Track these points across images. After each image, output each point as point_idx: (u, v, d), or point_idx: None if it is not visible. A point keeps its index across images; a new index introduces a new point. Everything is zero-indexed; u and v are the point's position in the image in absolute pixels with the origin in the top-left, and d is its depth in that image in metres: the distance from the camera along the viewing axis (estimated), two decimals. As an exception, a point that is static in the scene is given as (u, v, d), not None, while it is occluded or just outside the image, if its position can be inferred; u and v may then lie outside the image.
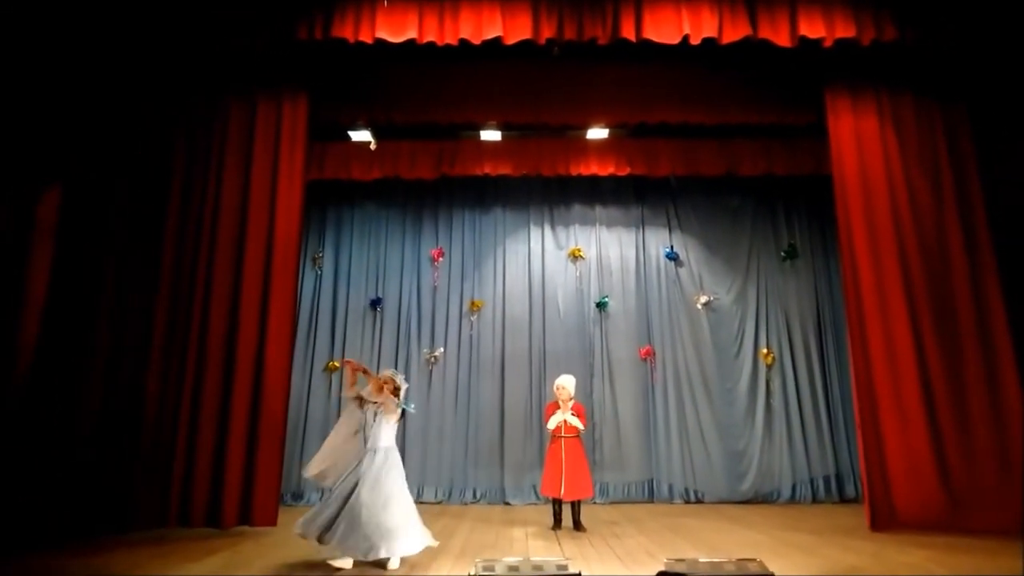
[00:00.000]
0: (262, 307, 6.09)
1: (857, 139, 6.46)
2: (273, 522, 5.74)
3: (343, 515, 4.37)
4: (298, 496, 7.87)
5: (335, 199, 8.88)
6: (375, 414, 4.73)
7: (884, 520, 5.66)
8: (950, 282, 6.14)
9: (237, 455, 5.80)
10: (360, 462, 4.59)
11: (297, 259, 6.36)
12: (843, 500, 7.86)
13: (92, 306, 5.94)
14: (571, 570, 3.24)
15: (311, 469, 4.77)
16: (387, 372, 4.96)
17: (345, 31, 5.88)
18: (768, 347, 8.51)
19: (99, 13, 5.80)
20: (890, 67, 6.51)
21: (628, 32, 5.84)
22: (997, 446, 5.69)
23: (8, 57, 5.51)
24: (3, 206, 5.59)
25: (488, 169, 7.97)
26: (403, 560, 4.50)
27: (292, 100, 6.52)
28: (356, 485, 4.47)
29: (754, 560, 3.37)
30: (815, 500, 7.89)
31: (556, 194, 9.05)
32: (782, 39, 5.91)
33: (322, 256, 8.88)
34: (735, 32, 5.86)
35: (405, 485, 4.69)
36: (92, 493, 5.58)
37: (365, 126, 7.30)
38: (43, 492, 5.42)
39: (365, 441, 4.70)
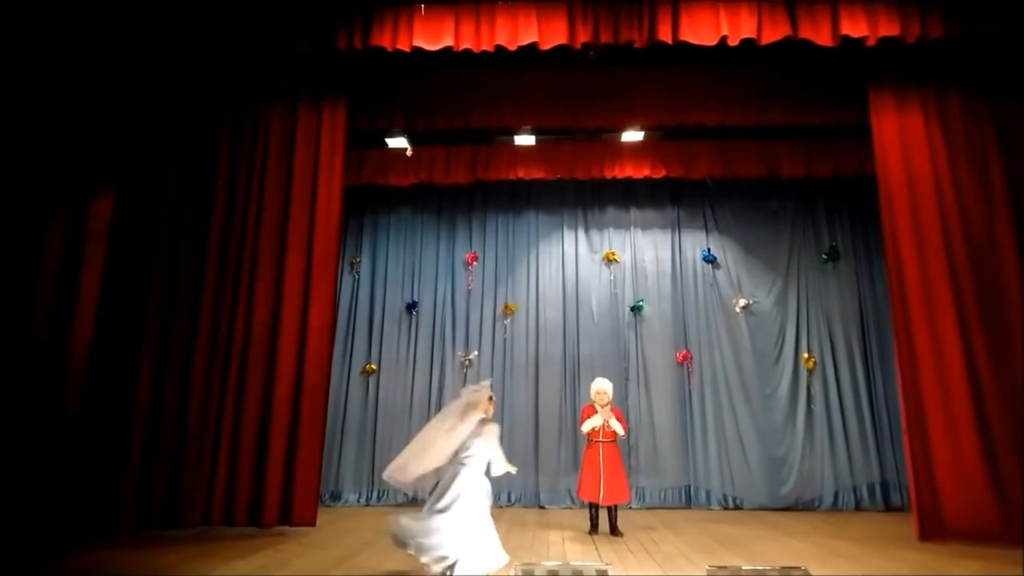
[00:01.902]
0: (303, 310, 6.21)
1: (902, 138, 6.31)
2: (312, 522, 5.84)
3: (472, 531, 4.01)
4: (336, 497, 8.00)
5: (372, 204, 9.03)
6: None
7: (933, 530, 5.49)
8: (1000, 285, 5.93)
9: (278, 456, 5.91)
10: (457, 477, 4.14)
11: (336, 263, 6.48)
12: (888, 508, 7.66)
13: (141, 308, 6.15)
14: (611, 574, 3.22)
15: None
16: (483, 386, 4.41)
17: (383, 39, 5.98)
18: (809, 351, 8.33)
19: (147, 25, 6.00)
20: (935, 64, 6.35)
21: (665, 35, 5.81)
22: (1053, 455, 5.48)
23: (63, 68, 5.74)
24: (60, 212, 5.83)
25: (522, 173, 8.01)
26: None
27: (331, 107, 6.65)
28: (476, 502, 4.12)
29: (799, 568, 3.30)
30: (859, 508, 7.70)
31: (590, 197, 9.04)
32: (823, 39, 5.81)
33: (359, 260, 9.02)
34: (775, 32, 5.78)
35: None
36: (142, 489, 5.75)
37: (402, 132, 7.39)
38: (95, 488, 5.62)
39: (458, 454, 4.20)
